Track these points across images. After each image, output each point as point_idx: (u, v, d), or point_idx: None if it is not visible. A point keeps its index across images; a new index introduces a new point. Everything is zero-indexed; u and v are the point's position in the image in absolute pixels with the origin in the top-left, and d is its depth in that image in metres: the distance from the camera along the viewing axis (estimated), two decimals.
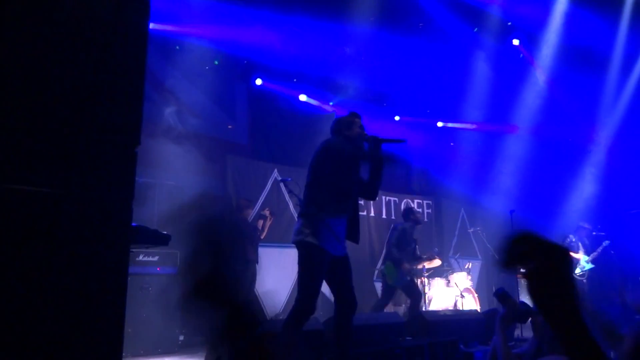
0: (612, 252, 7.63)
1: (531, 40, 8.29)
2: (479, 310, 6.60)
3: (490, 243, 8.87)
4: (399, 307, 7.06)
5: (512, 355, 2.17)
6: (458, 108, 9.20)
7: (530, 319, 2.30)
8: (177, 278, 5.30)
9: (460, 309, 6.96)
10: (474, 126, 9.76)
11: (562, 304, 0.78)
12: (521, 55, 8.65)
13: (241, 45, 7.10)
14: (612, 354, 1.72)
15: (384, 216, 8.99)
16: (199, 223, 1.53)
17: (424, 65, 7.85)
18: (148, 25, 1.78)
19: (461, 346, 4.51)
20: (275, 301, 7.04)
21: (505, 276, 8.81)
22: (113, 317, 1.58)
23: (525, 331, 5.73)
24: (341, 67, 7.77)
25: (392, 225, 6.90)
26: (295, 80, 7.97)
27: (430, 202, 9.99)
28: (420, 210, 9.23)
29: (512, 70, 8.71)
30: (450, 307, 7.02)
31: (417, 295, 6.18)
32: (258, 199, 7.24)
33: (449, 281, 7.31)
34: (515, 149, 9.37)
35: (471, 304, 7.25)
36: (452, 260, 8.91)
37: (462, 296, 7.20)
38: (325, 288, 3.28)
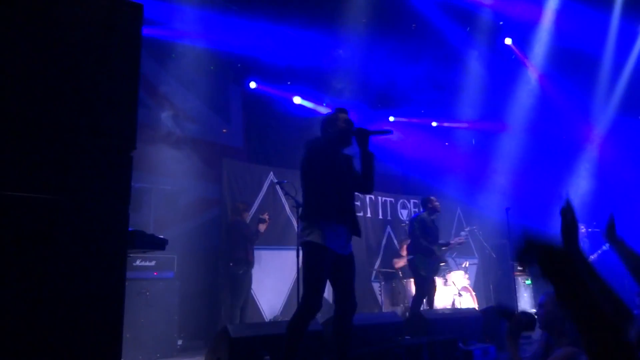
0: (611, 254, 7.59)
1: (523, 39, 8.36)
2: (476, 309, 6.62)
3: (486, 241, 8.90)
4: (397, 307, 7.07)
5: None
6: (452, 108, 9.24)
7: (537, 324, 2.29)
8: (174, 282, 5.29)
9: (459, 307, 7.01)
10: (467, 125, 9.81)
11: (579, 302, 0.79)
12: (513, 56, 8.72)
13: (235, 49, 7.11)
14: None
15: (380, 217, 9.00)
16: None
17: (417, 65, 7.88)
18: (141, 31, 1.79)
19: (460, 344, 4.52)
20: (273, 303, 7.03)
21: (502, 275, 8.86)
22: (111, 322, 1.58)
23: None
24: (335, 69, 7.78)
25: (409, 218, 6.88)
26: (289, 82, 7.98)
27: None
28: (416, 210, 9.25)
29: (505, 69, 8.77)
30: (449, 306, 7.06)
31: (433, 292, 6.30)
32: (254, 201, 7.23)
33: (446, 280, 7.34)
34: (510, 147, 9.42)
35: (469, 302, 7.30)
36: (450, 259, 8.92)
37: (460, 295, 7.25)
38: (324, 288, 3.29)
